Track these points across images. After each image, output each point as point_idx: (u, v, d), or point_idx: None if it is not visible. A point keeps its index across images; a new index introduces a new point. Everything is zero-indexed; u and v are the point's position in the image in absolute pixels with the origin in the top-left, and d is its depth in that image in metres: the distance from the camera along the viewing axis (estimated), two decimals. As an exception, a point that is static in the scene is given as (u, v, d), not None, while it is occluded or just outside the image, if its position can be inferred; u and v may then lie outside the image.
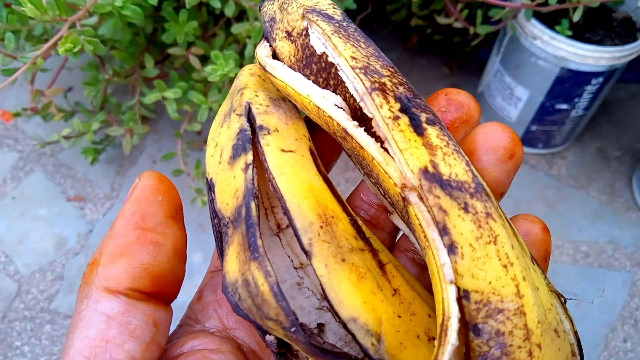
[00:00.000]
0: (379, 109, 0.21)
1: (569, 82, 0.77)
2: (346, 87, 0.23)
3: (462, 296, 0.18)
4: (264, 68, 0.26)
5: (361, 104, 0.22)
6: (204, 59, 0.68)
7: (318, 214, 0.22)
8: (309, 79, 0.24)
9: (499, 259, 0.19)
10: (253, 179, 0.22)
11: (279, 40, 0.26)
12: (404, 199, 0.20)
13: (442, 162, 0.20)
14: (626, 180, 0.89)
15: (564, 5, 0.67)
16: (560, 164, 0.91)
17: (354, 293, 0.21)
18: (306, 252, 0.21)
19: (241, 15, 0.67)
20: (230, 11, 0.61)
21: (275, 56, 0.26)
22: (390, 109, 0.21)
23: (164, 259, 0.23)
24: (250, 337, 0.25)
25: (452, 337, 0.18)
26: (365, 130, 0.22)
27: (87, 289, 0.22)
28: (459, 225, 0.19)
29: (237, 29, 0.62)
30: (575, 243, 0.82)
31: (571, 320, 0.22)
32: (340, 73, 0.23)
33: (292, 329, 0.19)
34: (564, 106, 0.82)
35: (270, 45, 0.26)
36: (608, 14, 0.80)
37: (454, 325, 0.18)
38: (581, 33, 0.76)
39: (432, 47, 1.02)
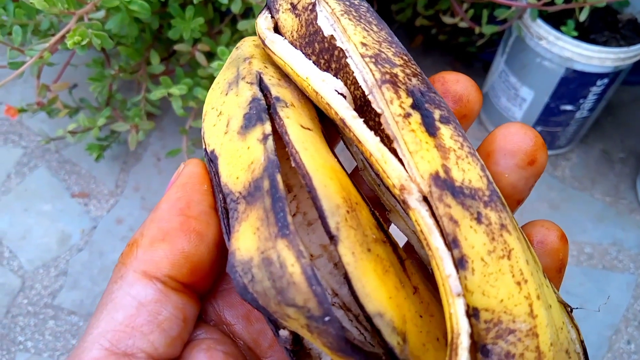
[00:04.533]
0: (388, 105, 0.19)
1: (574, 83, 0.77)
2: (349, 72, 0.21)
3: (472, 314, 0.17)
4: (263, 42, 0.24)
5: (370, 97, 0.20)
6: (210, 56, 0.68)
7: (343, 197, 0.19)
8: (309, 59, 0.22)
9: (513, 275, 0.17)
10: (275, 150, 0.20)
11: (282, 12, 0.24)
12: (404, 202, 0.19)
13: (454, 167, 0.18)
14: (630, 182, 0.89)
15: (570, 5, 0.67)
16: (565, 165, 0.91)
17: (380, 287, 0.19)
18: (332, 237, 0.18)
19: (247, 12, 0.68)
20: (236, 8, 0.61)
21: (276, 29, 0.24)
22: (401, 105, 0.19)
23: (205, 249, 0.22)
24: (247, 333, 0.24)
25: (463, 356, 0.16)
26: (367, 121, 0.20)
27: (124, 270, 0.21)
28: (471, 238, 0.17)
29: (243, 25, 0.62)
30: (579, 244, 0.81)
31: (577, 330, 0.21)
32: (348, 61, 0.21)
33: (326, 318, 0.17)
34: (568, 107, 0.82)
35: (273, 17, 0.24)
36: (613, 15, 0.80)
37: (464, 342, 0.17)
38: (586, 34, 0.76)
39: (437, 47, 1.02)
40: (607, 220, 0.84)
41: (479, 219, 0.18)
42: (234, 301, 0.25)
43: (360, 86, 0.21)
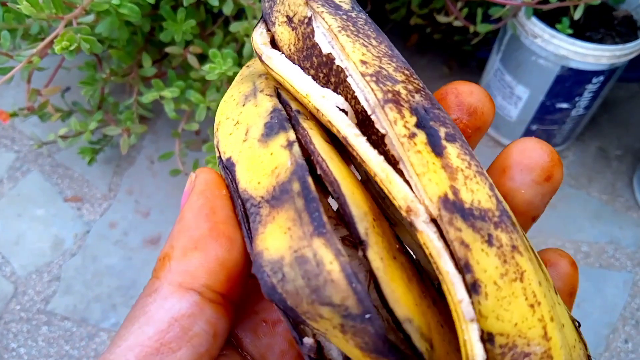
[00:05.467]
0: (392, 126, 0.19)
1: (570, 81, 0.77)
2: (349, 86, 0.20)
3: (487, 339, 0.17)
4: (260, 57, 0.23)
5: (373, 117, 0.19)
6: (202, 58, 0.68)
7: (369, 206, 0.19)
8: (308, 73, 0.22)
9: (526, 298, 0.17)
10: (302, 155, 0.19)
11: (279, 25, 0.23)
12: (410, 225, 0.18)
13: (463, 188, 0.18)
14: (627, 180, 0.89)
15: (564, 3, 0.67)
16: (561, 163, 0.91)
17: (407, 293, 0.18)
18: (362, 242, 0.18)
19: (239, 13, 0.67)
20: (228, 10, 0.60)
21: (273, 43, 0.24)
22: (405, 125, 0.19)
23: (237, 254, 0.21)
24: (254, 347, 0.24)
25: None
26: (370, 136, 0.20)
27: (158, 284, 0.21)
28: (483, 262, 0.17)
29: (235, 27, 0.62)
30: (576, 243, 0.81)
31: (585, 345, 0.21)
32: (349, 80, 0.20)
33: (367, 316, 0.16)
34: (564, 105, 0.81)
35: (269, 30, 0.24)
36: (608, 12, 0.80)
37: None
38: (582, 32, 0.76)
39: (432, 46, 1.02)
40: (604, 218, 0.84)
41: (490, 242, 0.17)
42: (241, 314, 0.24)
43: (365, 109, 0.20)
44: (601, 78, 0.76)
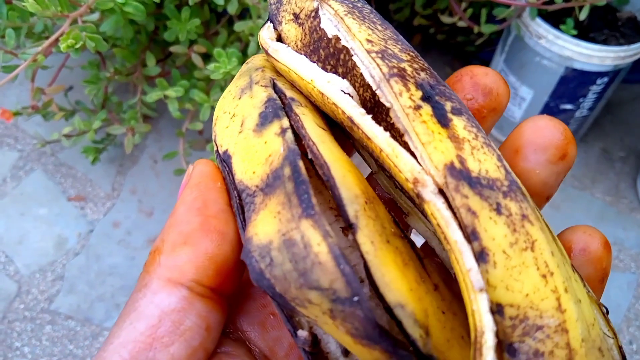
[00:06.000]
0: (397, 97, 0.19)
1: (574, 82, 0.77)
2: (356, 74, 0.20)
3: (496, 311, 0.16)
4: (266, 51, 0.23)
5: (378, 91, 0.19)
6: (206, 57, 0.68)
7: (362, 189, 0.19)
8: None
9: (537, 268, 0.16)
10: (294, 141, 0.19)
11: (285, 24, 0.23)
12: (418, 196, 0.18)
13: (470, 157, 0.18)
14: (630, 181, 0.88)
15: (569, 3, 0.67)
16: (564, 164, 0.91)
17: (400, 277, 0.18)
18: (351, 225, 0.18)
19: (244, 13, 0.67)
20: (233, 9, 0.60)
21: (280, 41, 0.24)
22: (410, 97, 0.19)
23: (228, 248, 0.21)
24: (262, 341, 0.24)
25: (488, 356, 0.16)
26: (378, 122, 0.20)
27: (148, 278, 0.21)
28: (491, 229, 0.16)
29: (239, 26, 0.62)
30: (580, 244, 0.81)
31: (614, 333, 0.20)
32: (354, 58, 0.20)
33: (355, 298, 0.16)
34: (568, 106, 0.81)
35: (275, 29, 0.24)
36: (613, 13, 0.80)
37: (489, 341, 0.16)
38: (586, 33, 0.76)
39: (436, 47, 1.02)
40: (607, 219, 0.84)
41: (498, 210, 0.17)
42: (249, 308, 0.24)
43: (369, 87, 0.20)
44: (605, 79, 0.76)
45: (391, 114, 0.19)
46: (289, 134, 0.19)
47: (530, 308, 0.16)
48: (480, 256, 0.16)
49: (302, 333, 0.19)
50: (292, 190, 0.18)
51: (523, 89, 0.82)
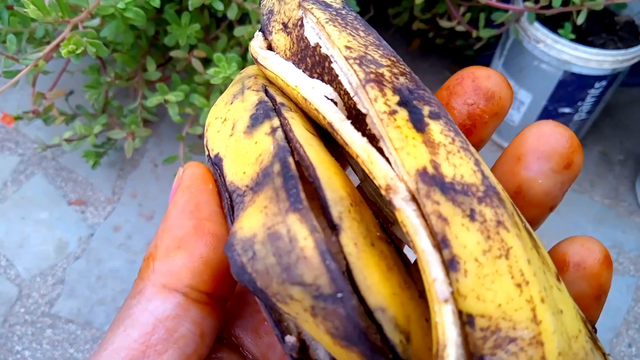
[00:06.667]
0: (372, 103, 0.18)
1: (572, 85, 0.77)
2: (340, 81, 0.20)
3: (466, 322, 0.15)
4: (256, 60, 0.23)
5: (355, 98, 0.19)
6: (206, 62, 0.68)
7: (348, 192, 0.18)
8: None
9: (512, 277, 0.15)
10: (285, 138, 0.19)
11: (275, 33, 0.23)
12: (390, 204, 0.17)
13: (445, 162, 0.17)
14: (629, 184, 0.89)
15: (567, 8, 0.67)
16: (563, 168, 0.91)
17: (383, 281, 0.17)
18: (334, 226, 0.17)
19: (243, 18, 0.67)
20: (232, 14, 0.61)
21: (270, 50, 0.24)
22: (386, 103, 0.18)
23: (223, 252, 0.20)
24: (255, 347, 0.24)
25: None
26: (362, 130, 0.19)
27: (142, 285, 0.20)
28: (463, 236, 0.16)
29: (239, 31, 0.62)
30: (579, 247, 0.81)
31: (604, 354, 0.19)
32: (333, 65, 0.20)
33: (338, 295, 0.15)
34: (567, 110, 0.81)
35: (266, 39, 0.24)
36: (611, 17, 0.80)
37: (451, 356, 0.15)
38: (584, 37, 0.76)
39: (435, 51, 1.02)
40: (606, 222, 0.84)
41: (472, 216, 0.16)
42: (243, 313, 0.24)
43: (349, 93, 0.20)
44: (603, 83, 0.77)
45: (367, 120, 0.19)
46: (280, 133, 0.19)
47: (502, 319, 0.15)
48: (451, 264, 0.16)
49: (290, 339, 0.19)
50: (280, 185, 0.17)
51: (522, 93, 0.83)
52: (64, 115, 0.73)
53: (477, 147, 0.22)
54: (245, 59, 0.65)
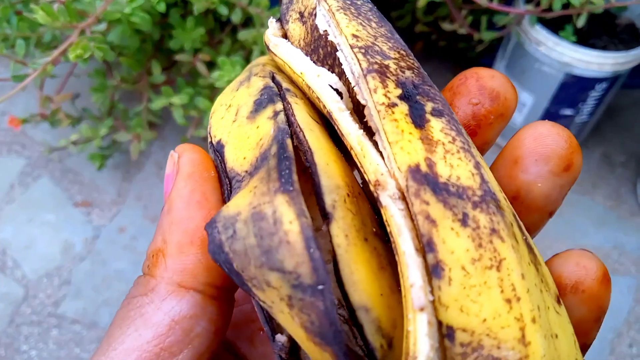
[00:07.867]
0: (372, 94, 0.17)
1: (574, 87, 0.77)
2: (344, 71, 0.19)
3: (445, 334, 0.14)
4: (268, 47, 0.22)
5: (356, 88, 0.18)
6: (211, 65, 0.69)
7: (346, 182, 0.17)
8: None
9: (502, 291, 0.14)
10: (286, 122, 0.18)
11: (292, 22, 0.22)
12: (377, 200, 0.16)
13: (441, 161, 0.16)
14: (631, 186, 0.89)
15: (568, 11, 0.67)
16: (565, 169, 0.91)
17: (371, 279, 0.16)
18: (326, 214, 0.16)
19: (247, 22, 0.68)
20: (237, 18, 0.61)
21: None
22: (386, 94, 0.17)
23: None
24: (251, 357, 0.23)
25: None
26: (365, 125, 0.18)
27: (154, 282, 0.19)
28: (451, 242, 0.14)
29: (243, 35, 0.63)
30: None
31: None
32: (338, 54, 0.19)
33: (319, 287, 0.14)
34: (568, 112, 0.82)
35: (282, 28, 0.23)
36: (611, 20, 0.81)
37: None
38: (585, 39, 0.77)
39: (437, 53, 1.03)
40: (608, 224, 0.85)
41: (464, 221, 0.15)
42: (238, 321, 0.23)
43: (351, 83, 0.19)
44: (604, 85, 0.77)
45: (365, 112, 0.18)
46: (281, 116, 0.18)
47: (486, 335, 0.14)
48: (434, 270, 0.14)
49: (281, 338, 0.18)
50: (274, 165, 0.16)
51: (524, 95, 0.83)
52: (70, 118, 0.74)
53: (482, 149, 0.22)
54: (248, 62, 0.65)
